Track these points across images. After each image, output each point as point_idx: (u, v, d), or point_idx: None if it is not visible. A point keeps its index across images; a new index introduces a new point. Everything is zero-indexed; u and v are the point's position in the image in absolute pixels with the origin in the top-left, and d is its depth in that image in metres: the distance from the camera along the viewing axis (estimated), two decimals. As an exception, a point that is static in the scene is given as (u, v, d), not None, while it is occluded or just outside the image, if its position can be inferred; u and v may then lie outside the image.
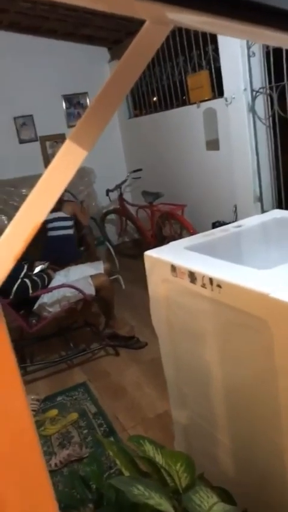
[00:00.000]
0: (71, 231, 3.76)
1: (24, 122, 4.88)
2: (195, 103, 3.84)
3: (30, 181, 4.23)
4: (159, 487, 1.07)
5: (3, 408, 0.61)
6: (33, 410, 2.41)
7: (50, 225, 3.65)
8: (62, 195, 3.67)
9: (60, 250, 3.59)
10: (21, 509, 0.65)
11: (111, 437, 2.14)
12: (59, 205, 3.64)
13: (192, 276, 1.28)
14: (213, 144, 3.76)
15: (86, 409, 2.43)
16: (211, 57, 3.61)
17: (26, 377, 2.73)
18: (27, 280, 2.63)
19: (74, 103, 5.10)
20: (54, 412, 2.43)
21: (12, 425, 0.61)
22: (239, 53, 3.14)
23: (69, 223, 3.75)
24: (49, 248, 3.55)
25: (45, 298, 2.75)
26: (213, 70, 3.65)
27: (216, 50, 3.45)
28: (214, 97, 3.69)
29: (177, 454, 1.19)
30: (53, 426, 2.31)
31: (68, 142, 0.52)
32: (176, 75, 4.23)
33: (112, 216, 5.13)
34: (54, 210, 3.59)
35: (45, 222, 3.55)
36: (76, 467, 2.01)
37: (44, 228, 3.63)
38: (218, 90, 3.68)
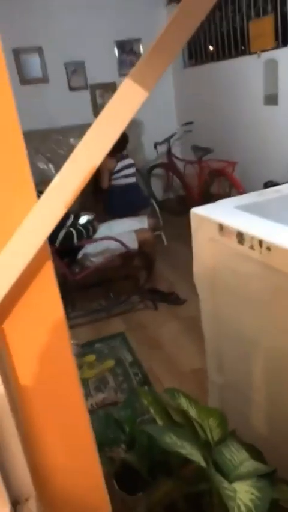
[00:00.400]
0: (134, 179, 3.74)
1: (75, 69, 4.77)
2: (255, 52, 3.58)
3: (79, 130, 4.19)
4: (192, 438, 1.10)
5: (50, 348, 0.63)
6: (72, 354, 2.52)
7: (118, 175, 3.63)
8: (126, 144, 3.65)
9: (127, 200, 3.60)
10: (62, 442, 0.69)
11: (145, 387, 2.22)
12: (125, 153, 3.62)
13: (240, 237, 1.24)
14: (271, 99, 3.53)
15: (123, 358, 2.51)
16: (278, 0, 3.31)
17: (67, 323, 2.84)
18: (72, 230, 2.67)
19: (127, 50, 4.90)
20: (92, 357, 2.53)
21: (58, 363, 0.63)
22: (310, -4, 2.86)
23: (133, 170, 3.73)
24: (115, 199, 3.58)
25: (89, 248, 2.79)
26: (279, 16, 3.36)
27: (284, -8, 3.16)
28: (277, 47, 3.43)
29: (210, 410, 1.21)
30: (91, 370, 2.42)
31: (128, 80, 0.49)
32: (238, 21, 3.94)
33: (158, 171, 5.03)
34: (122, 158, 3.56)
35: (112, 174, 3.57)
36: (111, 410, 2.11)
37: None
38: (282, 39, 3.40)
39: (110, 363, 2.46)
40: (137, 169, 4.13)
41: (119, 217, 3.46)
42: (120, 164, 3.59)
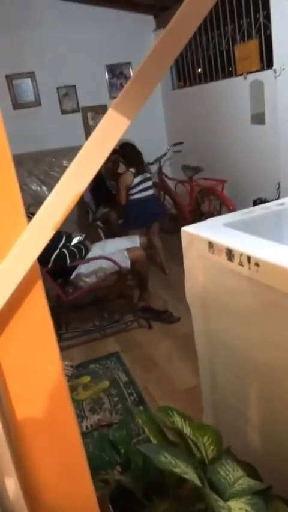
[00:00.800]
0: (152, 191, 3.81)
1: (66, 93, 4.87)
2: (241, 74, 3.69)
3: (72, 152, 4.25)
4: (186, 457, 1.10)
5: (41, 369, 0.64)
6: (66, 375, 2.51)
7: (135, 190, 3.69)
8: (143, 158, 3.74)
9: (145, 211, 3.71)
10: (54, 465, 0.69)
11: (140, 407, 2.20)
12: (142, 167, 3.72)
13: (229, 254, 1.26)
14: (258, 118, 3.62)
15: (118, 378, 2.50)
16: (262, 24, 3.43)
17: (61, 344, 2.79)
18: (65, 251, 2.69)
19: (117, 73, 5.03)
20: (86, 379, 2.51)
21: (48, 385, 0.64)
22: (292, 20, 2.97)
23: (151, 183, 3.80)
24: (131, 212, 3.67)
25: (82, 268, 2.80)
26: (263, 40, 3.48)
27: (267, 17, 3.28)
28: (262, 68, 3.54)
29: (205, 427, 1.21)
30: (85, 392, 2.40)
31: (110, 112, 0.52)
32: (224, 45, 4.06)
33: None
34: (139, 173, 3.66)
35: (130, 189, 3.66)
36: (106, 431, 2.09)
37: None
38: (266, 61, 3.52)
39: (105, 383, 2.45)
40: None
41: (137, 229, 3.63)
42: (137, 179, 3.66)
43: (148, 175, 3.74)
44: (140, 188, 3.69)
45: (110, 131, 0.51)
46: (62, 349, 3.02)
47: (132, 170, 3.66)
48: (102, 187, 4.17)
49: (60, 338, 2.88)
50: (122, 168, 3.86)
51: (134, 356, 2.70)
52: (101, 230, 4.01)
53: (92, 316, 3.20)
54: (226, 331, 1.45)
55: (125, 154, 3.73)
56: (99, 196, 4.19)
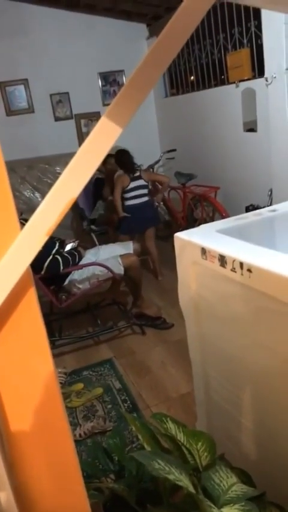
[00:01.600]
0: (147, 197, 3.83)
1: (60, 100, 4.89)
2: (234, 82, 3.73)
3: (65, 159, 4.28)
4: (180, 464, 1.09)
5: (34, 376, 0.63)
6: (60, 383, 2.49)
7: (131, 194, 3.72)
8: (138, 165, 3.82)
9: (139, 218, 3.73)
10: (48, 474, 0.68)
11: (134, 413, 2.19)
12: (138, 174, 3.75)
13: (222, 260, 1.27)
14: (250, 126, 3.66)
15: (111, 385, 2.49)
16: (253, 34, 3.48)
17: (54, 351, 2.80)
18: (58, 257, 2.68)
19: (110, 80, 5.06)
20: (80, 386, 2.50)
21: (41, 392, 0.63)
22: (283, 30, 3.01)
23: (147, 190, 3.82)
24: (126, 218, 3.70)
25: (76, 275, 2.80)
26: (254, 48, 3.52)
27: (258, 26, 3.32)
28: (254, 77, 3.58)
29: (198, 433, 1.21)
30: (79, 399, 2.38)
31: (103, 119, 0.52)
32: (216, 53, 4.11)
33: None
34: (134, 179, 3.69)
35: (124, 192, 3.70)
36: (99, 439, 2.08)
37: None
38: (258, 69, 3.56)
39: (99, 390, 2.43)
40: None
41: (132, 234, 3.67)
42: (132, 184, 3.69)
43: (143, 182, 3.76)
44: (135, 194, 3.71)
45: (103, 138, 0.52)
46: (55, 356, 3.01)
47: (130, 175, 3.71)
48: (100, 189, 4.20)
49: (53, 344, 2.86)
50: (119, 172, 3.88)
51: (127, 362, 2.69)
52: (94, 236, 4.01)
53: (85, 322, 3.19)
54: (219, 337, 1.45)
55: (121, 160, 3.74)
56: (97, 198, 4.23)
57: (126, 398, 2.35)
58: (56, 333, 3.00)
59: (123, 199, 3.73)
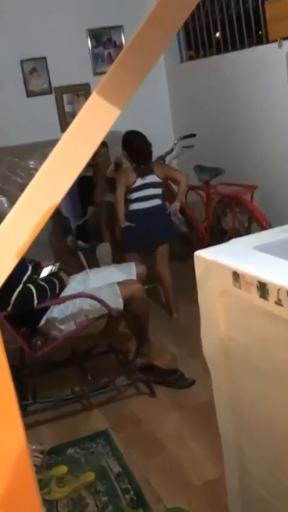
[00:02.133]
0: (159, 200, 3.83)
1: (34, 68, 4.97)
2: (276, 40, 3.79)
3: (42, 150, 4.32)
4: None
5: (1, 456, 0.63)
6: (34, 465, 2.47)
7: (137, 195, 3.73)
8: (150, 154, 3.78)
9: (147, 228, 3.71)
10: None
11: (140, 509, 2.17)
12: (149, 167, 3.74)
13: (263, 288, 1.27)
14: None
15: (107, 468, 2.47)
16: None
17: (26, 419, 2.79)
18: (31, 286, 2.69)
19: (104, 40, 5.15)
20: (63, 469, 2.48)
21: (8, 479, 0.63)
22: None
23: (160, 190, 3.82)
24: (129, 228, 3.69)
25: (56, 311, 2.80)
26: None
27: None
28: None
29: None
30: (61, 488, 2.36)
31: (95, 95, 0.53)
32: (250, 1, 4.19)
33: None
34: (143, 173, 3.68)
35: (128, 192, 3.70)
36: None
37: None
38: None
39: (89, 476, 2.41)
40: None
41: (137, 252, 3.68)
42: (140, 181, 3.69)
43: (156, 179, 3.77)
44: (143, 194, 3.73)
45: (96, 120, 0.52)
46: (28, 427, 3.00)
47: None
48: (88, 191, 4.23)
49: (24, 410, 2.85)
50: (126, 166, 3.90)
51: (130, 435, 2.67)
52: (82, 256, 4.00)
53: (70, 379, 3.18)
54: (259, 396, 1.44)
55: (132, 146, 3.77)
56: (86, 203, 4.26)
57: (128, 486, 2.33)
58: (28, 394, 2.99)
59: (126, 201, 3.74)
